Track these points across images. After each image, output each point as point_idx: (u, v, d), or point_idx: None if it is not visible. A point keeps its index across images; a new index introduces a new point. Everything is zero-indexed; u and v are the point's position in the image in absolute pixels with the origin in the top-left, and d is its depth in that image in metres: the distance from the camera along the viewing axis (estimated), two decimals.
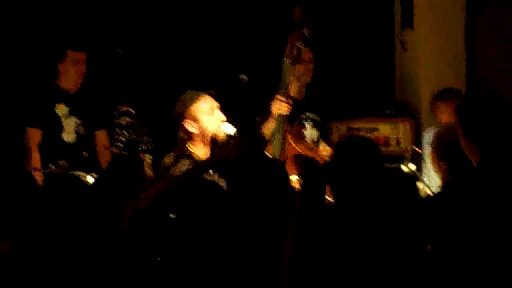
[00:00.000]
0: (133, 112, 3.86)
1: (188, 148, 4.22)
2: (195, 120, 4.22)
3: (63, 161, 5.34)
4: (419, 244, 3.01)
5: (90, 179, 4.35)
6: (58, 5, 6.79)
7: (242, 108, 4.82)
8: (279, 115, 4.70)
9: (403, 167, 4.47)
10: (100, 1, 6.94)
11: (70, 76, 5.54)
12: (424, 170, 4.92)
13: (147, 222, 2.94)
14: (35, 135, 5.47)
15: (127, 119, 3.81)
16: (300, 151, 4.88)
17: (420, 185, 4.32)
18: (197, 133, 4.21)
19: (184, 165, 4.06)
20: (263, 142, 4.70)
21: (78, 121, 5.55)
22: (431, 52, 6.55)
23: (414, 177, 4.38)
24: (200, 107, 4.23)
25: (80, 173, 4.23)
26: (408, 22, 6.82)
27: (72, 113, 5.53)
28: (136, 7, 6.99)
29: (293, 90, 5.21)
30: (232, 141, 3.18)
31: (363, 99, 6.86)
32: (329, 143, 5.42)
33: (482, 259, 2.94)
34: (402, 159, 4.85)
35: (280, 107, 4.69)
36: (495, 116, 3.13)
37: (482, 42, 6.51)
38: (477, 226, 2.98)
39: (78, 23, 6.68)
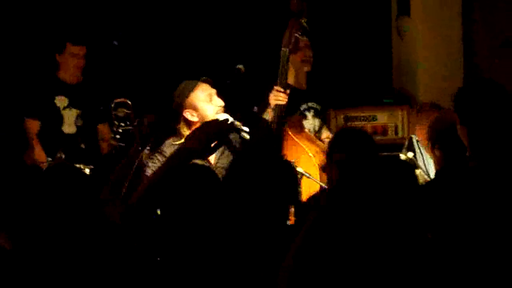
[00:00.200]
0: (130, 103, 3.87)
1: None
2: (195, 109, 4.28)
3: (61, 154, 5.34)
4: (419, 233, 3.01)
5: (88, 172, 4.36)
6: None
7: (240, 99, 4.81)
8: (277, 105, 4.69)
9: (401, 155, 4.47)
10: None
11: (69, 68, 5.54)
12: (422, 157, 4.91)
13: (140, 217, 2.93)
14: (33, 126, 5.48)
15: (124, 110, 3.81)
16: (299, 142, 4.88)
17: (418, 173, 4.32)
18: (197, 120, 4.26)
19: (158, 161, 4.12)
20: (270, 131, 4.70)
21: (78, 112, 5.55)
22: (428, 40, 6.54)
23: (412, 165, 4.38)
24: (198, 95, 4.29)
25: (79, 166, 4.23)
26: (404, 9, 6.81)
27: (71, 104, 5.54)
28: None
29: (291, 79, 5.21)
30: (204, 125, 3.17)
31: (360, 87, 6.85)
32: (332, 130, 5.44)
33: (476, 249, 2.94)
34: (400, 147, 4.86)
35: (277, 97, 4.69)
36: (491, 104, 3.12)
37: (479, 29, 6.50)
38: (467, 214, 2.98)
39: (77, 16, 6.67)
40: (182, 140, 4.24)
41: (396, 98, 6.77)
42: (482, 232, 2.96)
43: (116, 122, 3.86)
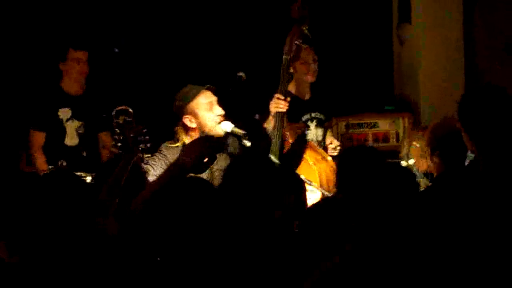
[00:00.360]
0: (131, 110, 3.86)
1: (183, 139, 4.32)
2: (195, 116, 4.32)
3: (62, 162, 5.35)
4: (420, 238, 3.01)
5: (89, 179, 4.37)
6: (59, 5, 6.79)
7: (241, 106, 4.82)
8: (277, 113, 4.69)
9: (403, 162, 4.47)
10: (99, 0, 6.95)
11: (73, 75, 5.54)
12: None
13: (142, 224, 2.94)
14: (39, 138, 5.49)
15: (125, 118, 3.81)
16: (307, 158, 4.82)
17: (419, 179, 4.32)
18: (195, 127, 4.31)
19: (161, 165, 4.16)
20: (269, 140, 4.70)
21: (80, 123, 5.56)
22: (429, 47, 6.55)
23: (414, 172, 4.38)
24: (200, 102, 4.33)
25: (80, 174, 4.24)
26: (405, 17, 6.82)
27: (74, 116, 5.54)
28: (135, 5, 6.99)
29: (293, 87, 5.21)
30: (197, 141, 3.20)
31: (361, 95, 6.85)
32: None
33: (477, 251, 2.94)
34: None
35: (277, 104, 4.69)
36: (495, 111, 3.12)
37: (480, 36, 6.51)
38: (465, 220, 2.98)
39: (78, 22, 6.68)
40: (178, 144, 4.29)
41: (397, 105, 6.78)
42: (488, 236, 2.97)
43: (117, 130, 3.85)
